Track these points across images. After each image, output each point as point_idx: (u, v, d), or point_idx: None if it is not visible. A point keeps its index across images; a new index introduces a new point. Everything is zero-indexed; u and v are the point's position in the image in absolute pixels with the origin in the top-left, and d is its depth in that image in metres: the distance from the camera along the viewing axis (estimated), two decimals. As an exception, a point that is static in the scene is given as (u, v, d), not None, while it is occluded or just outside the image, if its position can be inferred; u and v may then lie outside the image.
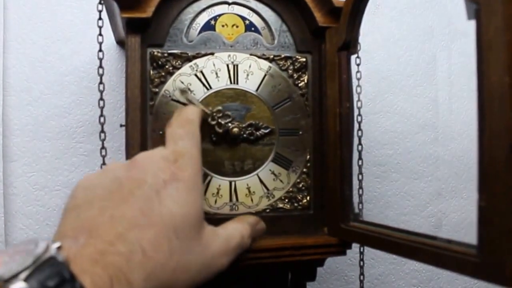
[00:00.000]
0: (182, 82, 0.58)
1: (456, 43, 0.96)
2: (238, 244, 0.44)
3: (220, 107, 0.59)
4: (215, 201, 0.59)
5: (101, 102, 0.55)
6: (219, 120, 0.58)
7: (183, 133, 0.44)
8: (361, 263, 0.66)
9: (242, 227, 0.48)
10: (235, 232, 0.46)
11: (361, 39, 0.65)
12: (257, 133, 0.60)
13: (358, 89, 0.64)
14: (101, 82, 0.55)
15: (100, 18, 0.55)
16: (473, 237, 0.98)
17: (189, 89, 0.58)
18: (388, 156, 0.92)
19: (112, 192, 0.35)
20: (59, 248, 0.30)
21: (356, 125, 0.64)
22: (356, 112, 0.65)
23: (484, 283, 1.07)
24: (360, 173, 0.64)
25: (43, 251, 0.28)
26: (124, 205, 0.34)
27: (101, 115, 0.55)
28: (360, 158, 0.64)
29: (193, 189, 0.38)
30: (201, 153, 0.44)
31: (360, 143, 0.64)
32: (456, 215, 0.96)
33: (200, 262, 0.37)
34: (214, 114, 0.58)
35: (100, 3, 0.55)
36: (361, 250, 0.66)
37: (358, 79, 0.64)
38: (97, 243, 0.31)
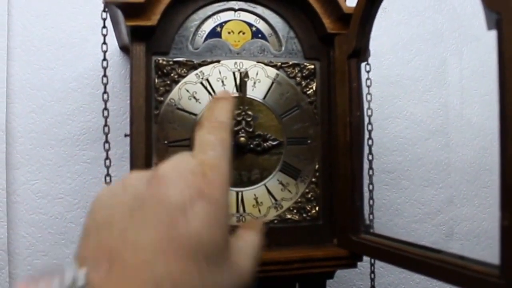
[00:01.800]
0: (188, 91, 0.57)
1: (467, 47, 0.94)
2: (257, 255, 0.42)
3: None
4: (222, 213, 0.58)
5: (105, 112, 0.54)
6: (234, 128, 0.57)
7: (215, 141, 0.38)
8: (372, 275, 0.64)
9: (255, 235, 0.45)
10: (253, 243, 0.43)
11: (369, 44, 0.64)
12: (265, 144, 0.58)
13: (368, 96, 0.62)
14: (105, 92, 0.54)
15: (104, 26, 0.54)
16: (484, 246, 0.95)
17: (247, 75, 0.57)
18: (398, 163, 0.90)
19: (134, 212, 0.32)
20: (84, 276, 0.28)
21: (366, 134, 0.63)
22: (366, 121, 0.63)
23: None
24: (371, 183, 0.63)
25: (71, 283, 0.27)
26: (147, 228, 0.31)
27: (105, 124, 0.54)
28: (370, 167, 0.62)
29: (221, 208, 0.35)
30: (231, 165, 0.40)
31: (370, 152, 0.62)
32: (468, 223, 0.93)
33: (229, 284, 0.34)
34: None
35: (104, 11, 0.54)
36: (372, 261, 0.64)
37: (368, 87, 0.62)
38: (121, 271, 0.29)
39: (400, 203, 0.90)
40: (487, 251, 0.93)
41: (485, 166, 0.95)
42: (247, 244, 0.40)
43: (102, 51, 0.53)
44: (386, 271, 0.89)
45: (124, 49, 0.78)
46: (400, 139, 0.90)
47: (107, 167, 0.55)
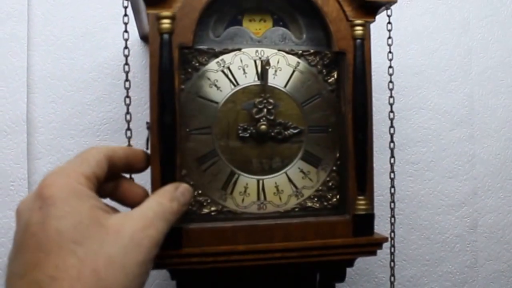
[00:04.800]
0: (209, 79, 0.56)
1: (494, 36, 0.92)
2: (158, 211, 0.43)
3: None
4: (242, 200, 0.57)
5: (127, 100, 0.54)
6: (255, 115, 0.57)
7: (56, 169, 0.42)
8: (392, 264, 0.63)
9: (157, 196, 0.47)
10: (149, 203, 0.45)
11: (393, 32, 0.62)
12: (286, 132, 0.58)
13: (390, 85, 0.61)
14: (127, 80, 0.54)
15: (125, 15, 0.54)
16: (509, 239, 0.93)
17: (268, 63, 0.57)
18: (422, 154, 0.89)
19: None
20: None
21: (388, 122, 0.62)
22: (388, 109, 0.62)
23: None
24: (392, 171, 0.62)
25: None
26: (20, 251, 0.37)
27: (127, 112, 0.54)
28: (392, 156, 0.61)
29: (67, 195, 0.38)
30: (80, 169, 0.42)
31: (392, 141, 0.61)
32: (492, 216, 0.92)
33: (118, 248, 0.37)
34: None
35: (125, -1, 0.54)
36: (392, 250, 0.63)
37: (390, 75, 0.61)
38: None
39: (424, 194, 0.89)
40: (512, 244, 0.92)
41: (511, 158, 0.93)
42: (141, 208, 0.43)
43: (124, 39, 0.53)
44: (408, 264, 0.88)
45: (144, 38, 0.78)
46: (424, 130, 0.89)
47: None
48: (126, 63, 0.54)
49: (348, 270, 0.64)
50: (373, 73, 0.60)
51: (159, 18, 0.51)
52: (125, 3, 0.54)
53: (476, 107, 0.91)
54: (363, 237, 0.57)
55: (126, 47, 0.54)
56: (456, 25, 0.91)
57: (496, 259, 0.92)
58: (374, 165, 0.60)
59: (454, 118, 0.90)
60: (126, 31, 0.54)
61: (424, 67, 0.90)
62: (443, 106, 0.90)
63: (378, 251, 0.59)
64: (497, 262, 0.92)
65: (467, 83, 0.91)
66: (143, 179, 0.68)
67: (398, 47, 0.86)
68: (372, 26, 0.59)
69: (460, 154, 0.90)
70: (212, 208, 0.57)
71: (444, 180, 0.90)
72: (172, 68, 0.52)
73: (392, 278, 0.65)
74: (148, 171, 0.54)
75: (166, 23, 0.51)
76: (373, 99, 0.61)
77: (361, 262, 0.85)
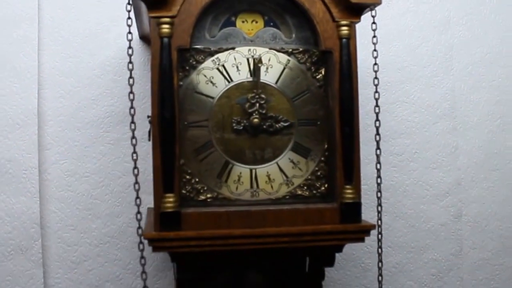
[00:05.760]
0: (205, 76, 0.61)
1: (474, 33, 0.96)
2: None
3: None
4: (236, 188, 0.62)
5: (131, 95, 0.59)
6: (248, 110, 0.61)
7: None
8: (379, 250, 0.68)
9: None
10: None
11: (377, 31, 0.66)
12: (277, 125, 0.63)
13: (376, 81, 0.66)
14: (131, 77, 0.58)
15: (129, 18, 0.58)
16: (493, 228, 0.95)
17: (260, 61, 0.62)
18: (406, 145, 0.93)
19: None
20: None
21: (372, 115, 0.66)
22: (373, 103, 0.66)
23: (507, 271, 1.06)
24: (378, 162, 0.66)
25: None
26: None
27: (131, 107, 0.59)
28: (378, 147, 0.66)
29: None
30: None
31: (378, 133, 0.66)
32: (477, 205, 0.96)
33: None
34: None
35: (129, 3, 0.58)
36: (379, 238, 0.67)
37: (376, 71, 0.66)
38: None
39: (409, 184, 0.93)
40: (497, 233, 0.96)
41: (494, 149, 0.97)
42: None
43: (128, 40, 0.58)
44: (393, 251, 0.92)
45: (143, 38, 0.82)
46: (407, 122, 0.93)
47: (134, 145, 0.60)
48: (130, 62, 0.59)
49: (336, 256, 0.67)
50: (358, 69, 0.64)
51: (159, 23, 0.56)
52: (129, 7, 0.59)
53: (458, 101, 0.95)
54: (352, 224, 0.62)
55: (130, 47, 0.59)
56: (438, 23, 0.95)
57: (481, 248, 0.96)
58: (364, 157, 0.66)
59: (437, 112, 0.94)
60: (130, 32, 0.59)
61: (407, 63, 0.94)
62: (426, 100, 0.94)
63: (365, 238, 0.63)
64: (481, 250, 0.96)
65: (449, 78, 0.95)
66: (145, 167, 0.73)
67: (381, 45, 0.87)
68: (357, 24, 0.64)
69: (443, 146, 0.95)
70: (208, 195, 0.61)
71: (428, 170, 0.94)
72: (171, 68, 0.57)
73: (380, 264, 0.69)
74: (150, 160, 0.59)
75: (165, 28, 0.56)
76: (359, 93, 0.65)
77: (349, 248, 0.89)
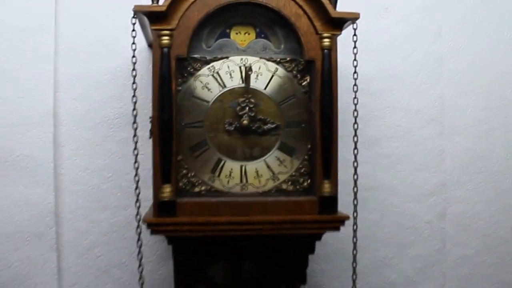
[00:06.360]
0: (201, 82, 0.69)
1: (464, 42, 1.01)
2: None
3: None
4: (228, 182, 0.70)
5: (134, 98, 0.67)
6: (239, 112, 0.69)
7: None
8: (354, 239, 0.74)
9: None
10: None
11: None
12: (265, 127, 0.70)
13: (355, 87, 0.72)
14: (134, 82, 0.66)
15: (133, 30, 0.66)
16: (477, 227, 0.98)
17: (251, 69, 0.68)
18: (394, 148, 0.98)
19: None
20: None
21: (352, 119, 0.73)
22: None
23: (489, 268, 1.10)
24: (355, 160, 0.73)
25: None
26: None
27: (134, 108, 0.67)
28: (355, 148, 0.73)
29: None
30: None
31: (356, 135, 0.72)
32: (461, 206, 1.01)
33: None
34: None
35: (133, 17, 0.66)
36: (354, 228, 0.74)
37: (355, 79, 0.72)
38: None
39: (396, 184, 0.99)
40: (480, 232, 1.00)
41: (480, 153, 1.02)
42: None
43: (132, 49, 0.66)
44: (380, 245, 0.98)
45: (151, 46, 0.90)
46: (396, 126, 0.99)
47: (135, 143, 0.69)
48: (134, 69, 0.67)
49: (323, 248, 0.73)
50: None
51: (160, 35, 0.64)
52: (133, 20, 0.67)
53: (446, 107, 1.00)
54: (329, 215, 0.68)
55: (133, 56, 0.67)
56: (429, 33, 1.00)
57: (464, 245, 1.00)
58: (351, 157, 0.72)
59: (425, 117, 1.00)
60: (134, 43, 0.67)
61: (398, 70, 0.99)
62: (415, 106, 0.99)
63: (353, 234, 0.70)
64: (464, 248, 1.00)
65: (438, 85, 1.00)
66: (145, 163, 0.80)
67: (375, 53, 0.97)
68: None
69: (430, 149, 1.00)
70: (202, 188, 0.69)
71: (415, 172, 0.99)
72: (170, 75, 0.65)
73: (355, 251, 0.76)
74: (150, 156, 0.67)
75: (165, 39, 0.64)
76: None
77: (339, 243, 0.94)
